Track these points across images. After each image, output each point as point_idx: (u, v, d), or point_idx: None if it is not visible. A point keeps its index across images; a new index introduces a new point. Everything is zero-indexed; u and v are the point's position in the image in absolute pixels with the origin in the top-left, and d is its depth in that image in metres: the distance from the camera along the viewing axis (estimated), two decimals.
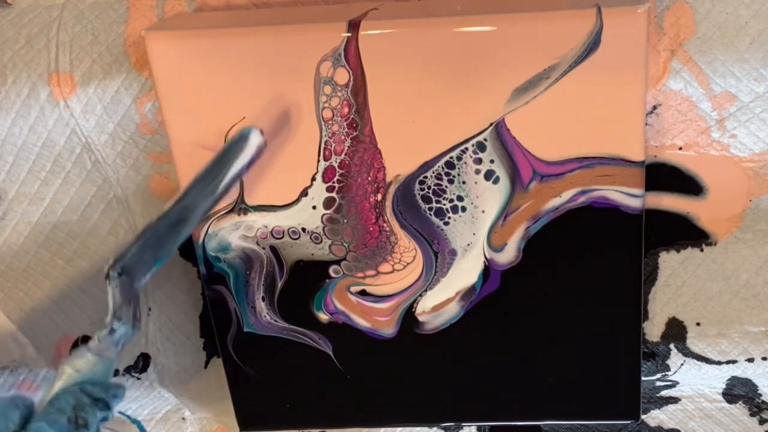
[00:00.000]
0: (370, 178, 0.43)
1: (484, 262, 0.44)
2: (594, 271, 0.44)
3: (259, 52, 0.40)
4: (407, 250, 0.45)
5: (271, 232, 0.45)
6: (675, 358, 0.48)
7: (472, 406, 0.49)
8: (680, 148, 0.44)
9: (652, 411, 0.52)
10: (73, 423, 0.33)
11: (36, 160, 0.48)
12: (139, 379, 0.53)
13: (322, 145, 0.42)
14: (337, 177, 0.43)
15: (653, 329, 0.48)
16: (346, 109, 0.41)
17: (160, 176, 0.48)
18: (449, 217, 0.43)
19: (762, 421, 0.51)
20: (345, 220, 0.44)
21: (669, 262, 0.47)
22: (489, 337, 0.47)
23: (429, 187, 0.43)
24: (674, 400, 0.51)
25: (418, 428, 0.53)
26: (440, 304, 0.46)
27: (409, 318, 0.46)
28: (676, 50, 0.42)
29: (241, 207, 0.44)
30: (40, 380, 0.45)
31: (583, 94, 0.40)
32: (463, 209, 0.43)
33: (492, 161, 0.42)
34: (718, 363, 0.48)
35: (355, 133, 0.42)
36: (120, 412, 0.55)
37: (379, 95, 0.40)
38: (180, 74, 0.41)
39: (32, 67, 0.45)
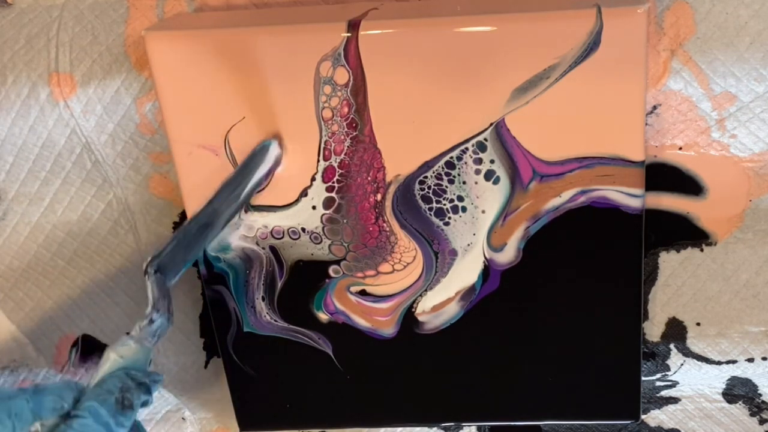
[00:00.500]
0: (369, 178, 0.43)
1: (484, 262, 0.44)
2: (594, 271, 0.44)
3: (259, 52, 0.40)
4: (407, 250, 0.45)
5: (271, 232, 0.45)
6: (675, 358, 0.48)
7: (472, 406, 0.49)
8: (680, 148, 0.44)
9: (652, 411, 0.52)
10: (119, 404, 0.36)
11: (36, 160, 0.48)
12: None
13: (322, 145, 0.42)
14: (336, 177, 0.43)
15: (653, 329, 0.48)
16: (345, 109, 0.41)
17: (160, 176, 0.48)
18: (449, 217, 0.43)
19: (762, 421, 0.51)
20: (345, 220, 0.44)
21: (669, 262, 0.47)
22: (489, 337, 0.47)
23: (429, 187, 0.43)
24: (674, 400, 0.51)
25: (418, 428, 0.53)
26: (440, 304, 0.46)
27: (409, 318, 0.46)
28: (676, 50, 0.42)
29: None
30: (39, 380, 0.45)
31: (583, 94, 0.40)
32: (464, 209, 0.43)
33: (492, 161, 0.42)
34: (718, 363, 0.48)
35: (354, 133, 0.42)
36: None
37: (379, 95, 0.40)
38: (180, 74, 0.41)
39: (32, 67, 0.45)
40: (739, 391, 0.50)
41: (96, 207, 0.49)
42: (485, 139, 0.41)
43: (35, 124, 0.46)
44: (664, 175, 0.44)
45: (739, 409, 0.51)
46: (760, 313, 0.47)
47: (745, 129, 0.43)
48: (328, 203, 0.44)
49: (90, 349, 0.51)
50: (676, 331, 0.48)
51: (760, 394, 0.50)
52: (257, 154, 0.42)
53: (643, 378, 0.48)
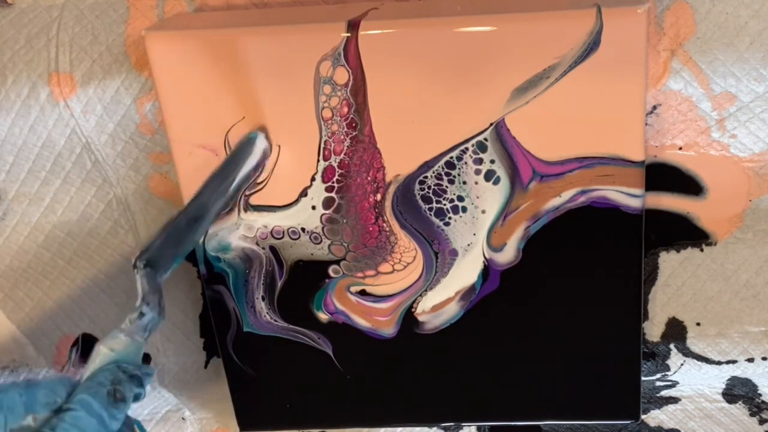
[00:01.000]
0: (369, 178, 0.43)
1: (484, 261, 0.44)
2: (594, 271, 0.44)
3: (259, 51, 0.40)
4: (407, 250, 0.45)
5: (271, 232, 0.45)
6: (675, 358, 0.48)
7: (472, 406, 0.49)
8: (680, 148, 0.44)
9: (652, 411, 0.52)
10: (111, 396, 0.35)
11: (36, 160, 0.48)
12: None
13: (322, 145, 0.42)
14: (336, 177, 0.43)
15: (653, 329, 0.48)
16: (345, 109, 0.41)
17: (160, 176, 0.48)
18: (450, 218, 0.43)
19: (762, 421, 0.51)
20: (344, 220, 0.44)
21: (669, 262, 0.47)
22: (489, 337, 0.47)
23: (429, 187, 0.43)
24: (674, 400, 0.51)
25: (418, 428, 0.53)
26: (440, 304, 0.46)
27: (409, 318, 0.46)
28: (676, 50, 0.42)
29: (241, 206, 0.44)
30: (38, 378, 0.45)
31: (583, 94, 0.40)
32: (464, 209, 0.43)
33: (492, 161, 0.42)
34: (718, 363, 0.48)
35: (354, 133, 0.42)
36: None
37: (379, 95, 0.40)
38: (180, 74, 0.41)
39: (32, 67, 0.45)
40: (739, 391, 0.50)
41: (96, 207, 0.49)
42: (485, 139, 0.41)
43: (35, 124, 0.46)
44: (664, 175, 0.44)
45: (739, 409, 0.51)
46: (760, 313, 0.47)
47: (745, 129, 0.43)
48: (327, 203, 0.44)
49: (90, 348, 0.51)
50: (676, 331, 0.48)
51: (760, 394, 0.50)
52: (243, 146, 0.42)
53: (643, 378, 0.48)
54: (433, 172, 0.42)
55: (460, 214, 0.43)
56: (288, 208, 0.44)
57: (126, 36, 0.45)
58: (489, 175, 0.42)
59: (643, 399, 0.50)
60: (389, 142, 0.42)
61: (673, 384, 0.50)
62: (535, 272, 0.44)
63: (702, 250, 0.46)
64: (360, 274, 0.46)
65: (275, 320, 0.47)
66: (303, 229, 0.45)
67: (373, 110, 0.41)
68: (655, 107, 0.43)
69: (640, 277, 0.44)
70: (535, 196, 0.42)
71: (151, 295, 0.39)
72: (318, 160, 0.43)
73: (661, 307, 0.48)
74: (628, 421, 0.50)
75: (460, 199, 0.43)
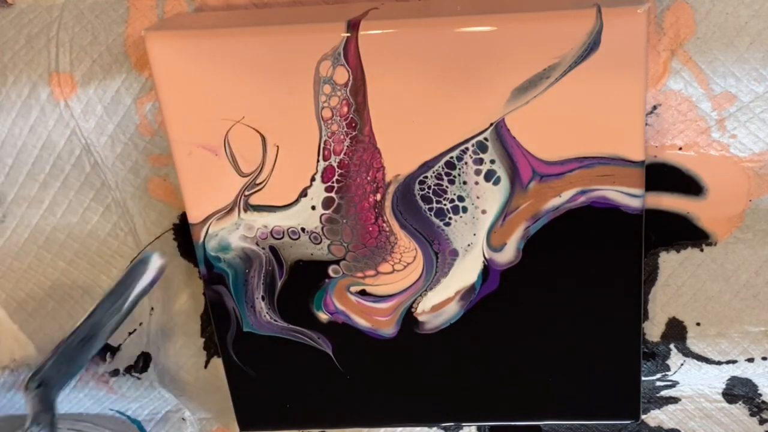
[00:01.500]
0: (369, 178, 0.43)
1: (484, 261, 0.44)
2: (594, 271, 0.44)
3: (259, 51, 0.40)
4: (407, 250, 0.45)
5: (271, 232, 0.45)
6: (675, 358, 0.48)
7: (472, 406, 0.49)
8: (680, 148, 0.44)
9: (652, 411, 0.52)
10: None
11: (35, 162, 0.48)
12: (139, 378, 0.53)
13: (322, 145, 0.42)
14: (336, 177, 0.43)
15: (653, 329, 0.48)
16: (345, 109, 0.41)
17: (159, 179, 0.48)
18: (450, 218, 0.43)
19: (762, 421, 0.51)
20: (344, 220, 0.44)
21: (669, 262, 0.47)
22: (488, 337, 0.47)
23: (429, 188, 0.43)
24: (674, 400, 0.51)
25: (418, 428, 0.53)
26: (440, 303, 0.46)
27: (409, 318, 0.46)
28: (676, 50, 0.42)
29: (241, 207, 0.44)
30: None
31: (583, 94, 0.40)
32: (464, 210, 0.43)
33: (492, 161, 0.42)
34: (718, 363, 0.48)
35: (354, 133, 0.42)
36: (119, 412, 0.55)
37: (379, 95, 0.40)
38: (180, 74, 0.41)
39: (32, 67, 0.45)
40: (739, 391, 0.50)
41: (95, 210, 0.49)
42: (486, 139, 0.41)
43: (35, 125, 0.46)
44: (664, 175, 0.44)
45: (739, 409, 0.51)
46: (760, 313, 0.47)
47: (745, 129, 0.43)
48: (327, 203, 0.44)
49: None
50: (676, 331, 0.48)
51: (760, 394, 0.50)
52: (137, 267, 0.44)
53: (643, 378, 0.48)
54: (433, 172, 0.42)
55: (461, 214, 0.43)
56: (288, 208, 0.44)
57: (126, 36, 0.45)
58: (489, 175, 0.42)
59: (643, 399, 0.50)
60: (389, 142, 0.42)
61: (673, 384, 0.50)
62: (535, 272, 0.44)
63: (702, 250, 0.46)
64: (360, 274, 0.46)
65: (275, 320, 0.47)
66: (303, 229, 0.45)
67: (373, 110, 0.41)
68: (655, 107, 0.43)
69: (640, 277, 0.44)
70: (535, 196, 0.42)
71: (42, 414, 0.40)
72: (318, 160, 0.43)
73: (661, 307, 0.48)
74: (628, 421, 0.50)
75: (461, 199, 0.43)
